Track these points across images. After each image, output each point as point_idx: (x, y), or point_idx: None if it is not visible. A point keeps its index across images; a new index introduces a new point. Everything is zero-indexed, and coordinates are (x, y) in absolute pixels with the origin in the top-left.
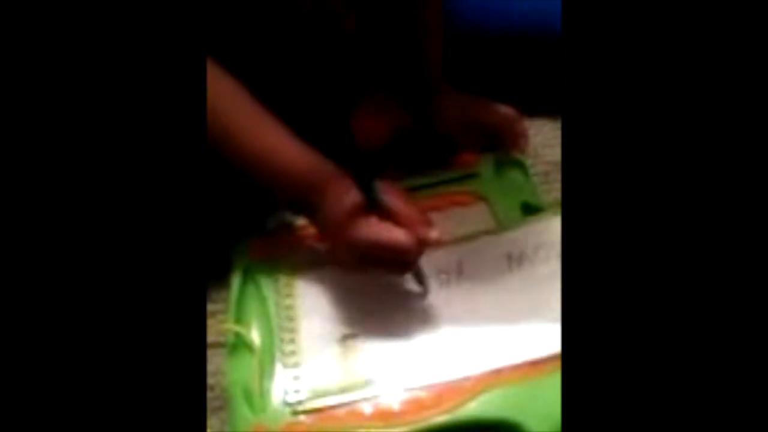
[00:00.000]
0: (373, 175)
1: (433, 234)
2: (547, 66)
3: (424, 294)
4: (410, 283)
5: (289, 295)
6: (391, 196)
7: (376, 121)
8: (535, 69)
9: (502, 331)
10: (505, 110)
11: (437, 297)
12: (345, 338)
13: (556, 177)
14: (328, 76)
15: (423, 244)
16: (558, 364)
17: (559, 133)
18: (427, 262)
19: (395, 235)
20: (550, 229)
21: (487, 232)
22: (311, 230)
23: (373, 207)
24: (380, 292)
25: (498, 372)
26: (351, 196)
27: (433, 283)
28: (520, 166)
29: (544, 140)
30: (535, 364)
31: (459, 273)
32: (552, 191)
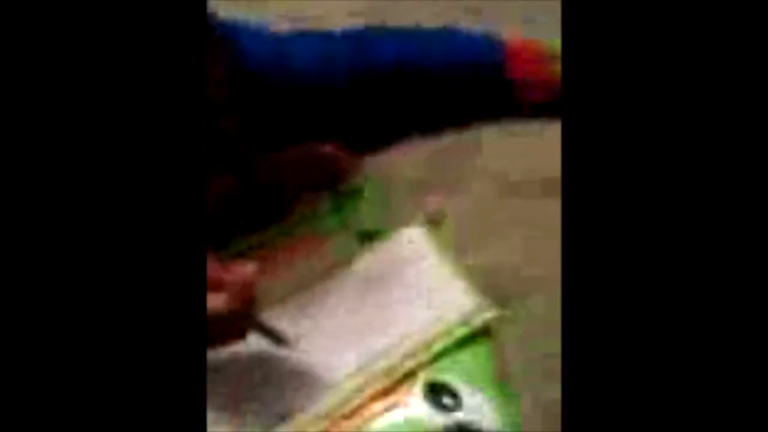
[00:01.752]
0: None
1: (249, 269)
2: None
3: (286, 344)
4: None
5: None
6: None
7: None
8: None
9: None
10: (327, 149)
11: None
12: None
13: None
14: None
15: (249, 295)
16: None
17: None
18: (280, 316)
19: (213, 303)
20: (389, 250)
21: (331, 271)
22: None
23: None
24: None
25: None
26: None
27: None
28: (358, 193)
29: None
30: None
31: (314, 320)
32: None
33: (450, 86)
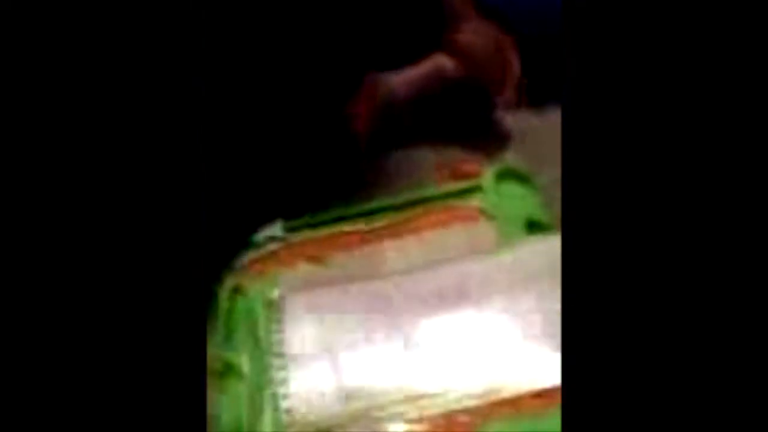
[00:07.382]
0: None
1: None
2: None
3: None
4: None
5: (280, 317)
6: None
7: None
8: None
9: (505, 359)
10: None
11: (436, 321)
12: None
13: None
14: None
15: None
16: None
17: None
18: (428, 282)
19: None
20: (557, 248)
21: (491, 252)
22: (301, 247)
23: None
24: (374, 315)
25: (500, 404)
26: None
27: (433, 306)
28: (524, 178)
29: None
30: (539, 396)
31: (459, 295)
32: (556, 206)
33: None
